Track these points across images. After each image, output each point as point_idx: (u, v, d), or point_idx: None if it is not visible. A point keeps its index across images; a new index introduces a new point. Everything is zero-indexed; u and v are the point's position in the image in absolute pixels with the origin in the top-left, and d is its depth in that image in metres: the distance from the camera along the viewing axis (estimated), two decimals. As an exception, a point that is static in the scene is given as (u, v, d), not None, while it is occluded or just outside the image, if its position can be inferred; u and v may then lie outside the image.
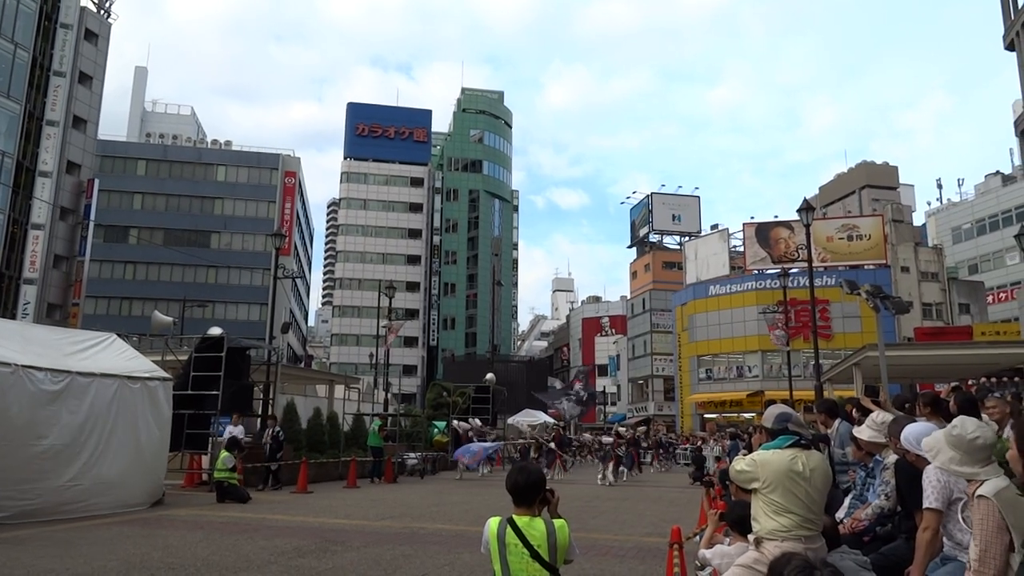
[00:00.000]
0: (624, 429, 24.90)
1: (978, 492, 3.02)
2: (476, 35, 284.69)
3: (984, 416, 5.71)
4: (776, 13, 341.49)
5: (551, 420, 39.04)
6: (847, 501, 5.71)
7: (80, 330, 16.79)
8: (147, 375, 12.54)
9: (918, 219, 66.49)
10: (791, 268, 47.52)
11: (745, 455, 4.30)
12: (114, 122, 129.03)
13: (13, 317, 36.11)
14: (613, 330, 77.55)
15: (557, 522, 3.21)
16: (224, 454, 14.27)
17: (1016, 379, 22.55)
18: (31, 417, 10.21)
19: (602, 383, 72.63)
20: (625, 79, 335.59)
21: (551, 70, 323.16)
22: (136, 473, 11.89)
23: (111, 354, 12.53)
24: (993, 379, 23.76)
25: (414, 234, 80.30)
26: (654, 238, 73.88)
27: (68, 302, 42.71)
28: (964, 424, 3.32)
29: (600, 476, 20.69)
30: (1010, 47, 27.34)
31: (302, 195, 76.24)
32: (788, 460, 3.79)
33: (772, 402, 6.17)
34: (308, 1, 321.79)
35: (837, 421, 7.17)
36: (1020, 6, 26.74)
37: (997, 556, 2.90)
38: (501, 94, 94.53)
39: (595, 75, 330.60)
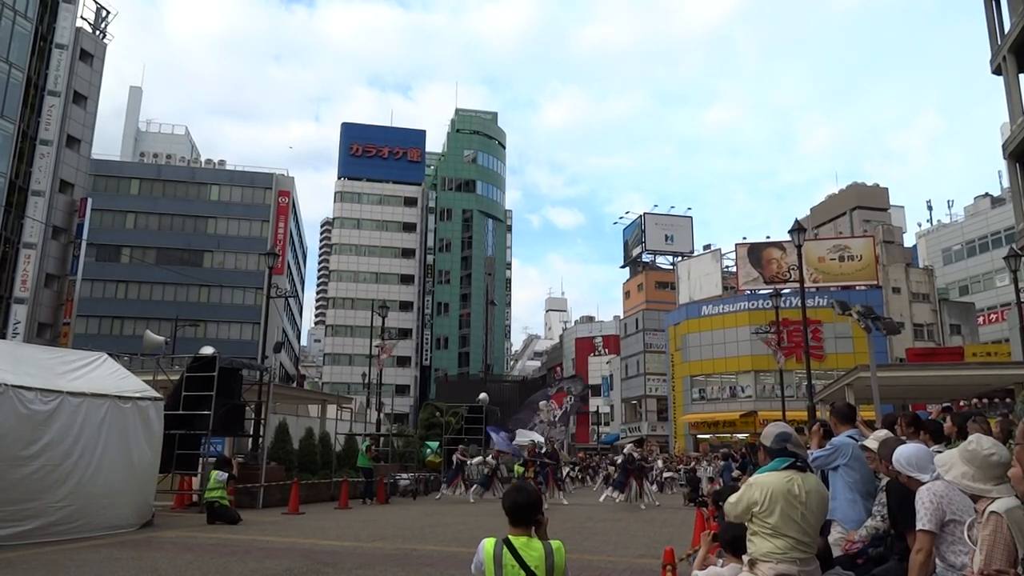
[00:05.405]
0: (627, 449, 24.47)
1: (990, 508, 3.09)
2: (474, 56, 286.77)
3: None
4: (770, 35, 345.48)
5: (541, 439, 38.77)
6: None
7: (71, 350, 16.70)
8: (138, 395, 12.47)
9: (909, 240, 67.08)
10: (783, 288, 47.38)
11: (737, 477, 4.30)
12: (108, 141, 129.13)
13: (3, 336, 35.86)
14: (606, 350, 77.50)
15: (554, 543, 3.17)
16: (215, 472, 14.17)
17: (1007, 400, 22.63)
18: (21, 437, 10.12)
19: (595, 403, 72.50)
20: (621, 100, 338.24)
21: (548, 91, 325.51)
22: (126, 494, 11.79)
23: (102, 374, 12.46)
24: (984, 400, 23.85)
25: (407, 253, 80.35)
26: (647, 258, 74.18)
27: (59, 321, 42.44)
28: (980, 441, 3.35)
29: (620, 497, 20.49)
30: (997, 71, 27.71)
31: (296, 214, 76.31)
32: (785, 482, 3.80)
33: (767, 422, 6.18)
34: (307, 21, 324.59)
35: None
36: (1006, 31, 27.15)
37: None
38: (495, 115, 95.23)
39: (591, 96, 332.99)
